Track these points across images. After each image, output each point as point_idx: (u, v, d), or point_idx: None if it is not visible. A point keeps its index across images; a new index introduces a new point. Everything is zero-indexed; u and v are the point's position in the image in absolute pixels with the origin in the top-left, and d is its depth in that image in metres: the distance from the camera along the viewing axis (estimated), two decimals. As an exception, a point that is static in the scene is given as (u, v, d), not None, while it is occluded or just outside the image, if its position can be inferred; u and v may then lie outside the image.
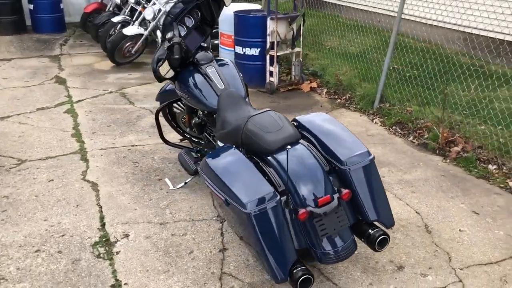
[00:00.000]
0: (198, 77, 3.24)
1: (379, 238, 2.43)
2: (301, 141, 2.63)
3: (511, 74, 5.16)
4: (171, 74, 3.23)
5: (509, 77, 5.03)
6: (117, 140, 4.47)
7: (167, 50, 3.13)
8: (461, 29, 6.68)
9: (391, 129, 4.80)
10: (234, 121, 2.89)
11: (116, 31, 7.24)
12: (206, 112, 3.33)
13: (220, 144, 3.03)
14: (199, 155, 3.58)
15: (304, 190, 2.39)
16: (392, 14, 7.97)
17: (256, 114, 2.70)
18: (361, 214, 2.52)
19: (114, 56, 6.75)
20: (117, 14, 7.64)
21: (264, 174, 2.48)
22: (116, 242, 2.99)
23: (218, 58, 3.51)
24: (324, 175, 2.46)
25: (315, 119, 2.80)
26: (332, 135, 2.64)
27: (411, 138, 4.58)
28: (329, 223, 2.38)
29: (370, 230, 2.47)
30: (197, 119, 3.45)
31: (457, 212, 3.36)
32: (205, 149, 3.54)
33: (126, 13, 7.48)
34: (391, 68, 6.23)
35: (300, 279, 2.24)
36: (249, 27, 5.88)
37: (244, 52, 5.97)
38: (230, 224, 2.69)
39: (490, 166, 3.91)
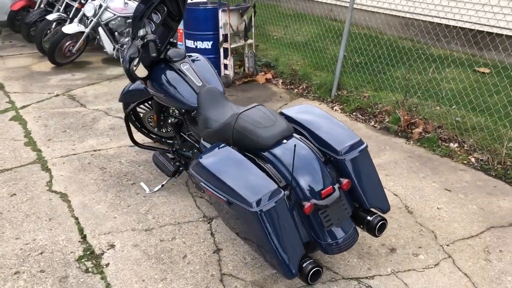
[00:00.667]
0: (173, 75, 3.12)
1: (379, 224, 2.49)
2: (294, 134, 2.62)
3: (458, 57, 5.46)
4: (146, 73, 3.08)
5: (467, 60, 5.31)
6: (76, 145, 4.21)
7: (140, 49, 2.98)
8: (416, 17, 6.95)
9: (352, 116, 4.92)
10: (220, 118, 2.82)
11: (52, 29, 6.84)
12: (183, 110, 3.22)
13: (205, 143, 2.93)
14: (176, 155, 3.46)
15: (307, 183, 2.38)
16: (339, 3, 8.14)
17: (246, 110, 2.64)
18: (359, 202, 2.56)
19: (54, 57, 6.35)
20: (50, 12, 7.21)
21: (261, 170, 2.44)
22: (102, 254, 2.83)
23: (189, 54, 3.41)
24: (323, 167, 2.46)
25: (303, 111, 2.80)
26: (322, 126, 2.65)
27: (372, 123, 4.72)
28: (333, 214, 2.40)
29: (368, 217, 2.52)
30: (173, 118, 3.32)
31: (432, 191, 3.51)
32: (184, 149, 3.42)
33: (60, 10, 7.08)
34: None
35: (311, 272, 2.24)
36: (199, 20, 5.75)
37: (196, 46, 5.84)
38: (226, 222, 2.63)
39: (451, 145, 4.13)
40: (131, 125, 3.82)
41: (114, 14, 6.43)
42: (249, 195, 2.23)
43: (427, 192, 3.50)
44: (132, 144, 3.78)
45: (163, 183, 3.51)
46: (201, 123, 2.94)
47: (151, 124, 3.99)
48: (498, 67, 4.97)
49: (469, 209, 3.30)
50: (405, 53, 5.87)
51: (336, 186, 2.43)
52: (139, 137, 4.06)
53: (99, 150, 4.13)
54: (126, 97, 3.82)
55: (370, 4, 7.16)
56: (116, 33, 6.57)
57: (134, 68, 2.98)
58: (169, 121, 3.33)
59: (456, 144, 4.11)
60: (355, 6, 6.54)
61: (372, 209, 2.58)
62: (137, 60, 2.98)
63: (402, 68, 5.84)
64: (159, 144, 4.00)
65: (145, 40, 2.96)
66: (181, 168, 3.40)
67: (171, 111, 3.48)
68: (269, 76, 6.01)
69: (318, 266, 2.27)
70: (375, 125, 4.68)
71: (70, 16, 6.84)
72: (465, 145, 4.06)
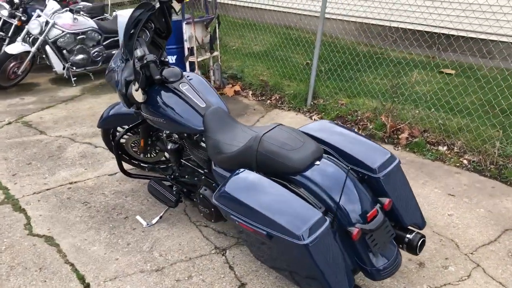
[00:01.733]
0: (173, 97, 2.83)
1: (420, 241, 2.38)
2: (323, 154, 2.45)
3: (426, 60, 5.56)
4: (144, 97, 2.77)
5: (426, 60, 5.40)
6: (48, 179, 3.77)
7: (139, 70, 2.69)
8: (372, 22, 7.03)
9: (333, 124, 4.83)
10: (234, 141, 2.59)
11: (-10, 50, 6.22)
12: (185, 135, 2.94)
13: (219, 170, 2.68)
14: (175, 182, 3.16)
15: (350, 207, 2.22)
16: (306, 12, 8.09)
17: (269, 131, 2.44)
18: (396, 220, 2.43)
19: (-4, 80, 5.76)
20: (-17, 31, 6.56)
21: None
22: (114, 304, 2.50)
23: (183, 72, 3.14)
24: (361, 188, 2.31)
25: (323, 128, 2.64)
26: (350, 143, 2.51)
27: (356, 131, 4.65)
28: (379, 237, 2.25)
29: (408, 235, 2.40)
30: (172, 144, 3.03)
31: (437, 198, 3.48)
32: (186, 176, 3.13)
33: (-3, 29, 6.45)
34: (305, 63, 6.33)
35: (366, 303, 2.08)
36: (162, 34, 5.43)
37: (160, 61, 5.51)
38: (251, 249, 2.40)
39: (441, 148, 4.14)
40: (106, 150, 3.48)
41: (63, 31, 5.94)
42: (294, 227, 2.03)
43: (433, 199, 3.46)
44: (114, 172, 3.44)
45: (161, 214, 3.21)
46: (212, 148, 2.68)
47: (135, 150, 3.66)
48: (454, 64, 5.12)
49: (478, 213, 3.29)
50: (364, 56, 5.91)
51: (378, 206, 2.29)
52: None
53: (75, 182, 3.73)
54: (107, 123, 3.47)
55: (334, 12, 7.19)
56: (65, 51, 6.07)
57: (135, 92, 2.68)
58: (169, 147, 3.03)
59: (445, 147, 4.13)
60: (317, 14, 6.52)
61: (409, 227, 2.47)
62: (137, 83, 2.68)
63: (370, 73, 5.87)
64: (151, 171, 3.67)
65: (145, 61, 2.67)
66: (180, 196, 3.12)
67: (164, 135, 3.18)
68: (237, 88, 5.80)
69: (372, 295, 2.12)
70: (359, 133, 4.61)
71: (9, 34, 6.27)
72: (455, 148, 4.10)
